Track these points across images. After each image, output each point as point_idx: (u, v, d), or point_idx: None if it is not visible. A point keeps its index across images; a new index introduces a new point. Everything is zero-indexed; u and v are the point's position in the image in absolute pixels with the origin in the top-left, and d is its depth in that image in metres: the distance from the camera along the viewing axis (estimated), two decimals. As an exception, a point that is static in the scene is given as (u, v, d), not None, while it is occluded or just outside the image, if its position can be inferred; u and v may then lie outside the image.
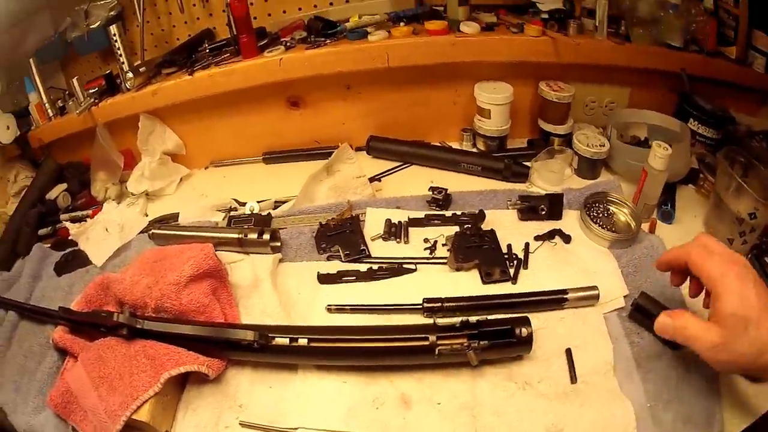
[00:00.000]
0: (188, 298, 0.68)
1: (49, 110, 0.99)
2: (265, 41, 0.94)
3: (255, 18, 0.96)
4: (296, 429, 0.58)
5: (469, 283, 0.75)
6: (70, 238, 0.91)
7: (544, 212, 0.83)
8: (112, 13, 0.94)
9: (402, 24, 0.92)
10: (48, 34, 0.97)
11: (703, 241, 0.57)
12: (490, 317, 0.63)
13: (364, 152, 1.02)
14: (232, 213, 0.89)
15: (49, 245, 0.91)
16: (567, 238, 0.82)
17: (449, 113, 1.00)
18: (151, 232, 0.86)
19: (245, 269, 0.79)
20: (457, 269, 0.75)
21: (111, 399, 0.57)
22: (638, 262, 0.77)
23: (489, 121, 0.94)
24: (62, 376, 0.64)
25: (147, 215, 0.95)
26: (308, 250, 0.82)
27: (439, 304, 0.69)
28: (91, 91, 0.97)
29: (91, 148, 0.98)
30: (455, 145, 1.03)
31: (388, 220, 0.83)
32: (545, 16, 0.95)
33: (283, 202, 0.89)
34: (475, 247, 0.78)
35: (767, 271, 0.76)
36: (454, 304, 0.70)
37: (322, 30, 0.92)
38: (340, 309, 0.72)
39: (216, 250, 0.76)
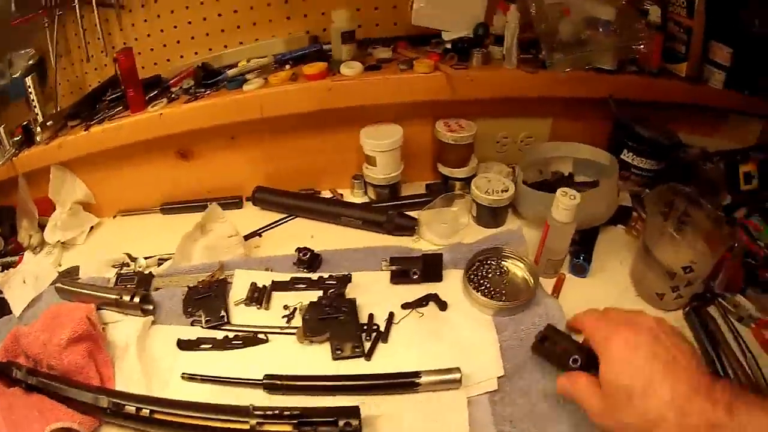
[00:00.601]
0: (68, 360, 0.81)
1: None
2: (156, 92, 1.03)
3: (155, 64, 1.08)
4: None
5: (319, 359, 0.79)
6: None
7: (416, 276, 0.82)
8: (30, 62, 1.07)
9: (288, 66, 0.95)
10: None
11: (607, 308, 0.60)
12: (320, 404, 0.69)
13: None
14: (122, 270, 1.01)
15: None
16: (443, 305, 0.84)
17: (339, 160, 1.05)
18: (55, 286, 0.99)
19: (121, 331, 0.90)
20: (310, 342, 0.81)
21: None
22: (525, 334, 0.77)
23: (375, 168, 0.95)
24: None
25: (60, 265, 1.10)
26: (178, 313, 0.90)
27: (279, 382, 0.75)
28: (15, 139, 1.13)
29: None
30: (347, 194, 1.07)
31: (254, 284, 0.90)
32: (448, 46, 0.91)
33: (167, 259, 1.00)
34: (330, 319, 0.82)
35: (709, 326, 0.75)
36: (294, 383, 0.75)
37: (203, 80, 0.99)
38: (192, 378, 0.80)
39: (100, 309, 0.91)
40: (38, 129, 1.08)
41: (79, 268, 1.05)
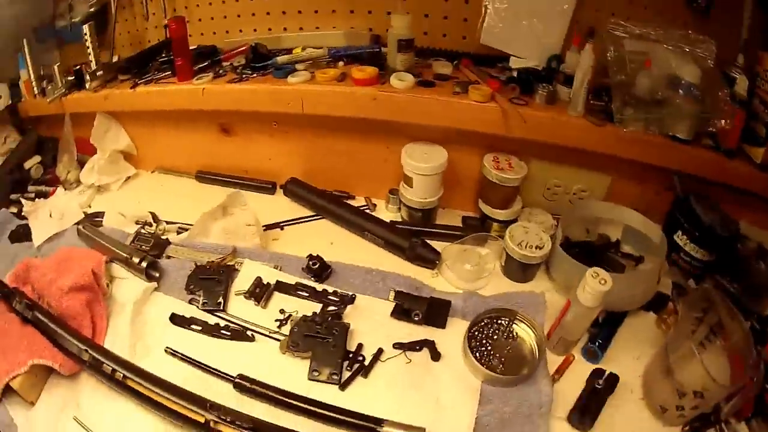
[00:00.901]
0: (66, 304, 0.90)
1: (35, 88, 1.27)
2: (207, 63, 1.08)
3: (214, 33, 1.13)
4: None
5: (295, 374, 0.81)
6: (22, 213, 1.18)
7: (417, 318, 0.82)
8: (91, 9, 1.16)
9: (341, 63, 0.91)
10: (46, 17, 1.23)
11: None
12: (281, 419, 0.73)
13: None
14: (143, 229, 1.08)
15: (14, 212, 1.20)
16: (436, 356, 0.83)
17: (379, 170, 1.05)
18: (78, 228, 1.08)
19: (125, 289, 0.97)
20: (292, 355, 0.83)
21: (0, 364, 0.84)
22: (508, 416, 0.74)
23: (411, 190, 0.93)
24: None
25: (90, 207, 1.20)
26: (180, 287, 0.95)
27: (249, 385, 0.78)
28: (68, 78, 1.22)
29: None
30: (381, 205, 1.08)
31: (259, 279, 0.94)
32: (513, 74, 0.87)
33: (187, 230, 1.05)
34: (318, 339, 0.84)
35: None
36: (262, 390, 0.77)
37: (253, 61, 1.02)
38: (173, 354, 0.86)
39: (111, 262, 0.99)
40: (88, 77, 1.16)
41: (105, 214, 1.14)
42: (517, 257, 0.88)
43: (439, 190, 0.98)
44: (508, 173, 0.90)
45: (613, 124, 0.86)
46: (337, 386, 0.78)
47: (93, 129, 1.20)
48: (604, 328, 0.83)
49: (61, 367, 0.83)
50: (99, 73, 1.14)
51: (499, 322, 0.85)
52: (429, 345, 0.82)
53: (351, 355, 0.82)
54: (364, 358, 0.81)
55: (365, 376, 0.80)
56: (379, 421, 0.71)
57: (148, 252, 1.00)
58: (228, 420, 0.70)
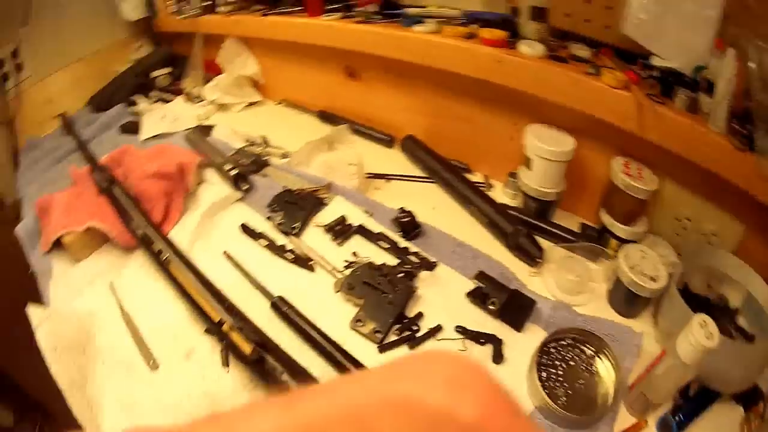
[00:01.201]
0: (145, 187, 0.96)
1: (171, 6, 1.40)
2: (339, 5, 1.11)
3: None
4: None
5: (339, 317, 0.77)
6: (138, 111, 1.32)
7: (492, 307, 0.73)
8: None
9: (473, 27, 0.94)
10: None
11: None
12: (302, 353, 0.69)
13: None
14: (249, 146, 1.13)
15: (132, 110, 1.34)
16: (498, 357, 0.72)
17: (503, 147, 0.99)
18: (186, 133, 1.17)
19: (208, 192, 1.02)
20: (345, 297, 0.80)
21: (62, 219, 0.91)
22: None
23: (531, 174, 0.87)
24: (55, 194, 0.99)
25: (208, 119, 1.29)
26: (264, 203, 0.97)
27: (285, 309, 0.75)
28: (204, 4, 1.33)
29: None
30: (498, 188, 1.03)
31: (343, 217, 0.93)
32: (654, 73, 0.80)
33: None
34: (376, 290, 0.78)
35: None
36: (294, 317, 0.74)
37: (383, 8, 1.06)
38: (229, 258, 0.87)
39: (207, 167, 1.05)
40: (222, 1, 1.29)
41: (214, 128, 1.21)
42: (626, 282, 0.75)
43: (561, 183, 0.89)
44: (637, 182, 0.80)
45: (753, 151, 0.70)
46: (377, 345, 0.72)
47: (221, 51, 1.31)
48: (692, 403, 0.68)
49: (116, 236, 0.89)
50: (233, -1, 1.29)
51: (583, 348, 0.73)
52: (495, 342, 0.73)
53: (405, 320, 0.75)
54: (418, 329, 0.74)
55: (411, 347, 0.72)
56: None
57: (245, 166, 1.04)
58: (238, 327, 0.68)
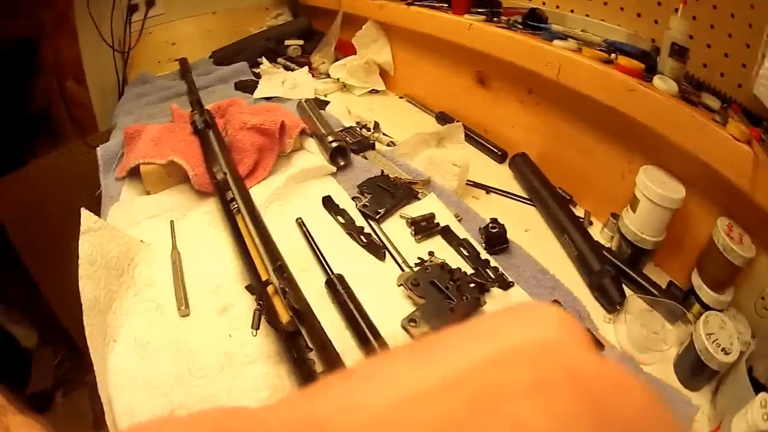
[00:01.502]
0: (238, 137, 0.99)
1: None
2: (486, 10, 1.12)
3: None
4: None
5: (394, 312, 0.72)
6: (259, 71, 1.39)
7: None
8: None
9: (613, 56, 0.92)
10: None
11: None
12: (342, 334, 0.67)
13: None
14: (357, 127, 1.15)
15: (254, 70, 1.41)
16: None
17: (612, 184, 0.97)
18: (299, 101, 1.20)
19: (304, 160, 1.04)
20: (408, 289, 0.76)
21: (147, 149, 0.96)
22: None
23: (633, 216, 0.84)
24: (148, 126, 1.05)
25: (325, 96, 1.32)
26: (355, 183, 0.97)
27: (339, 288, 0.73)
28: None
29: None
30: (597, 226, 1.00)
31: (432, 214, 0.90)
32: None
33: None
34: (441, 293, 0.73)
35: None
36: (348, 301, 0.71)
37: (527, 19, 1.06)
38: (301, 225, 0.87)
39: (310, 135, 1.08)
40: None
41: (329, 104, 1.24)
42: (699, 347, 0.70)
43: (662, 232, 0.85)
44: (737, 246, 0.76)
45: None
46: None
47: (359, 32, 1.35)
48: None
49: (195, 176, 0.91)
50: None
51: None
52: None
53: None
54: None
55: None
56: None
57: (348, 144, 1.04)
58: (282, 290, 0.66)
